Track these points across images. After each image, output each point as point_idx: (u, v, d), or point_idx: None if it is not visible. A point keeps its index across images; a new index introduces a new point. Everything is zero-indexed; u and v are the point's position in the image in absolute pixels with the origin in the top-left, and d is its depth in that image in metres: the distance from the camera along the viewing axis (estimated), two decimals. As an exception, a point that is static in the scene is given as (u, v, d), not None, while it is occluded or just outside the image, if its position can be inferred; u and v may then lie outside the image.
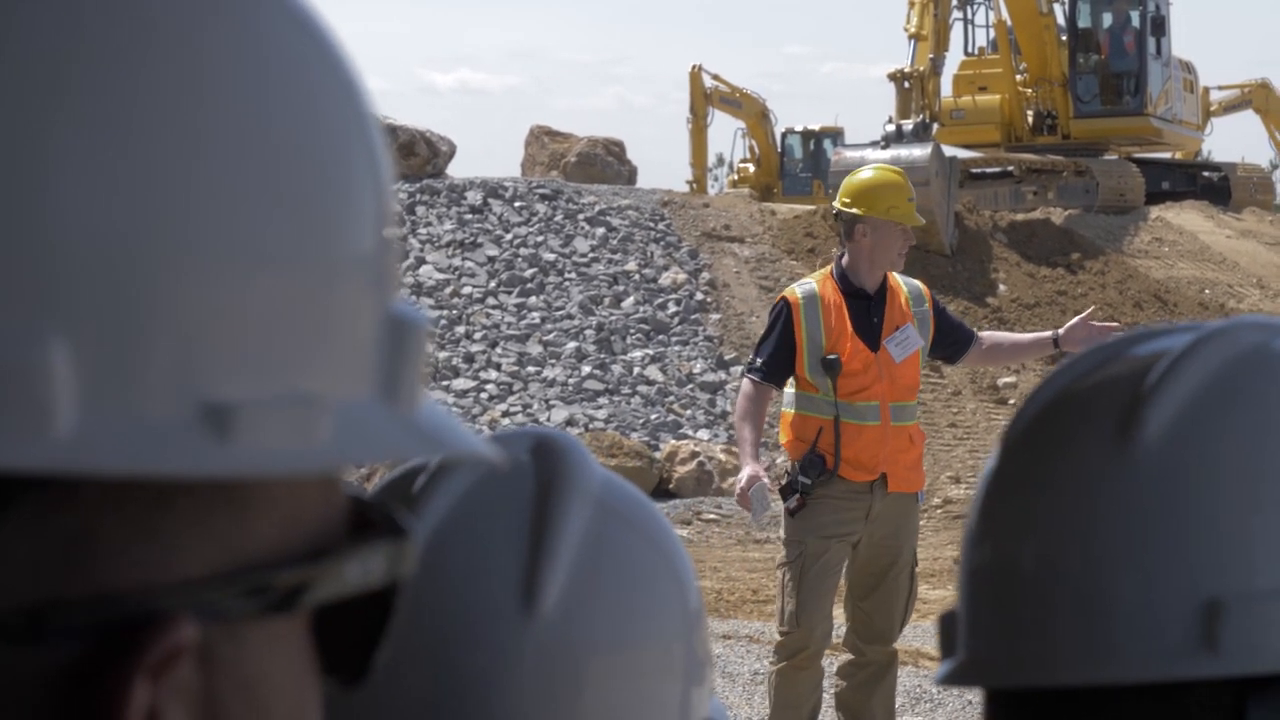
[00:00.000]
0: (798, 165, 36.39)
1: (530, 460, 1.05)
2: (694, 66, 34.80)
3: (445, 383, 17.38)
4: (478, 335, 18.38)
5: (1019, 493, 1.09)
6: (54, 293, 0.55)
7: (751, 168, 35.81)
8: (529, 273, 19.50)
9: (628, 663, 1.03)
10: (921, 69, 23.08)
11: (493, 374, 17.77)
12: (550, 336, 18.39)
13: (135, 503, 0.58)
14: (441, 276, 19.42)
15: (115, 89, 0.56)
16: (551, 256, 19.85)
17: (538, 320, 18.69)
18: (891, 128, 21.83)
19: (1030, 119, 27.20)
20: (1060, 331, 7.07)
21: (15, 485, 0.56)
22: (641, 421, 16.92)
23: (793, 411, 6.79)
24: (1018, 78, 27.16)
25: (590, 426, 16.56)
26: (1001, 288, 20.02)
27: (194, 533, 0.59)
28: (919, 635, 9.01)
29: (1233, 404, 1.04)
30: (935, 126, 22.51)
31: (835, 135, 35.47)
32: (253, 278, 0.58)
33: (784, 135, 36.62)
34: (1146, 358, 1.07)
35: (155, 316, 0.56)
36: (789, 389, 6.82)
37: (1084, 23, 27.26)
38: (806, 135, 36.92)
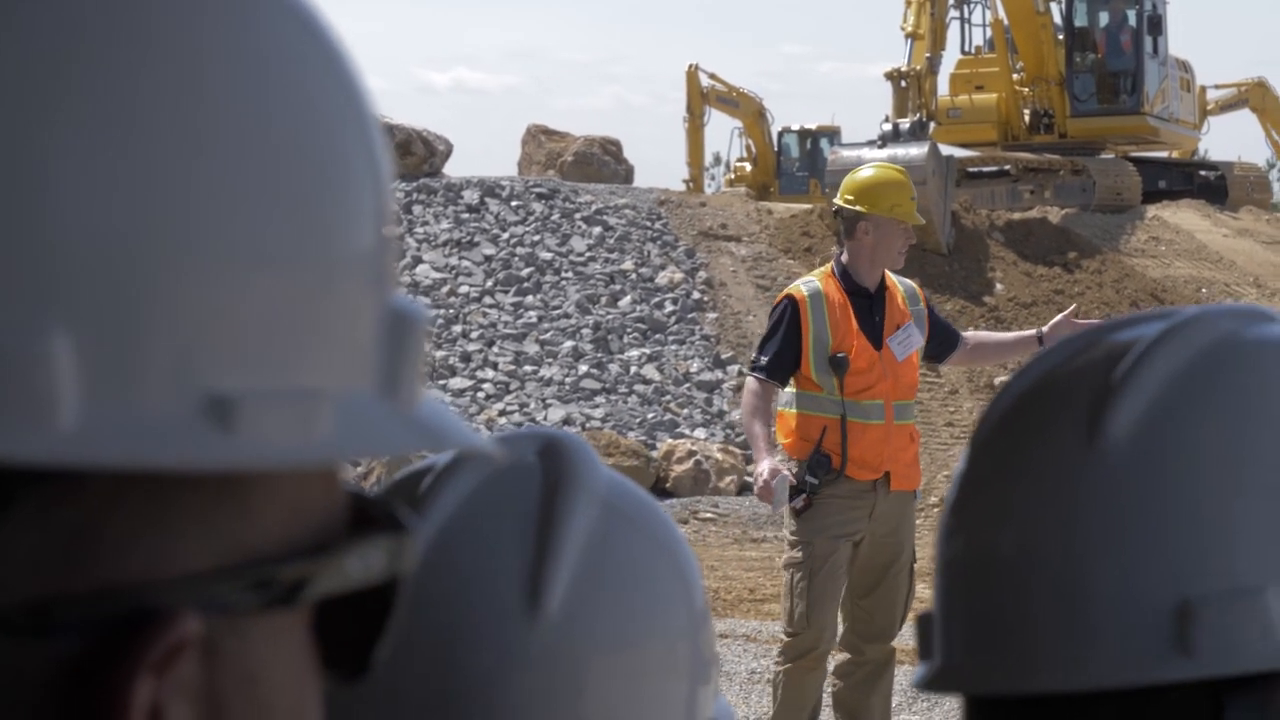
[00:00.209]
0: (794, 164, 36.45)
1: (537, 461, 1.06)
2: (691, 66, 34.82)
3: (442, 382, 17.39)
4: (474, 334, 18.40)
5: (994, 483, 1.07)
6: (56, 287, 0.55)
7: (748, 167, 35.83)
8: (526, 272, 19.51)
9: (633, 662, 1.03)
10: (918, 68, 23.14)
11: (489, 373, 17.78)
12: (547, 335, 18.40)
13: (138, 496, 0.58)
14: (438, 275, 19.43)
15: (116, 86, 0.57)
16: (548, 256, 19.87)
17: (534, 319, 18.71)
18: (888, 127, 21.89)
19: (1027, 118, 27.21)
20: (1044, 329, 7.07)
21: (18, 479, 0.56)
22: (638, 420, 16.94)
23: (794, 411, 6.74)
24: (1014, 77, 27.18)
25: (587, 426, 16.57)
26: (998, 287, 20.04)
27: (197, 526, 0.59)
28: (917, 634, 9.01)
29: (1204, 394, 1.02)
30: (932, 125, 22.58)
31: (832, 134, 35.53)
32: (253, 274, 0.59)
33: (781, 134, 36.67)
34: (1119, 346, 1.05)
35: (156, 310, 0.57)
36: (788, 389, 6.78)
37: (1081, 22, 27.28)
38: (803, 134, 36.99)
